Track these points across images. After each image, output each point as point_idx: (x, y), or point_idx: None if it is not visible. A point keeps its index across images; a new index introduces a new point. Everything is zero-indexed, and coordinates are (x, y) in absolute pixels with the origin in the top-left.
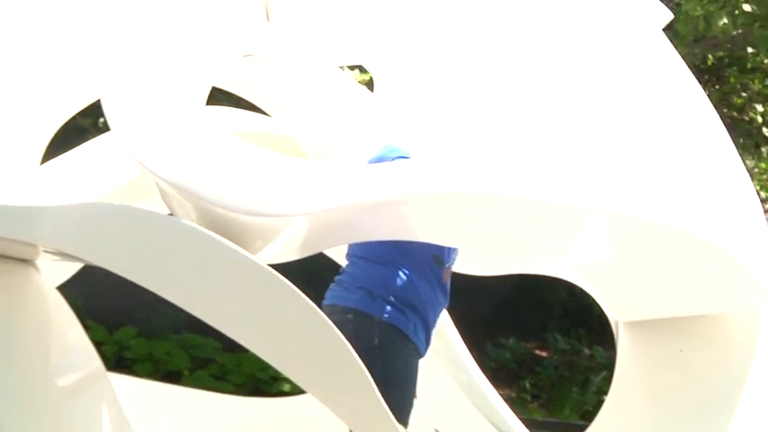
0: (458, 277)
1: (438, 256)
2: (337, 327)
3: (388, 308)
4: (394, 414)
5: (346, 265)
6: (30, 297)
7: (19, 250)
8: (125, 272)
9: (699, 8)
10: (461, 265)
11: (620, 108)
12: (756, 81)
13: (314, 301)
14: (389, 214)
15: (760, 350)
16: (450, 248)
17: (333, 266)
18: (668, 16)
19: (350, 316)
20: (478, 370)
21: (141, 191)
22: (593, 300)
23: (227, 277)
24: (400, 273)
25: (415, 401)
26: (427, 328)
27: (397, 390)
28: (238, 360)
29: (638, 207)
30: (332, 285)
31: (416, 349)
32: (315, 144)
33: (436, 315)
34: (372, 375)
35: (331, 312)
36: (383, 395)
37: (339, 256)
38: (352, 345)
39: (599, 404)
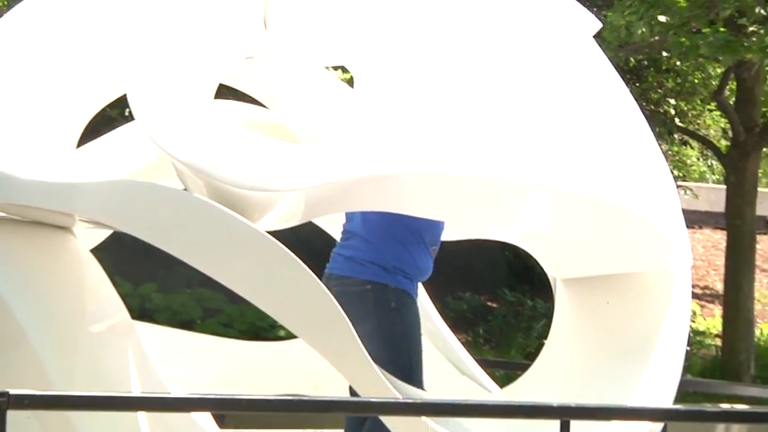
0: None
1: (433, 246)
2: (358, 296)
3: (399, 277)
4: (418, 361)
5: (352, 239)
6: (67, 258)
7: (59, 219)
8: (147, 237)
9: (622, 19)
10: None
11: (559, 101)
12: (670, 80)
13: (304, 262)
14: (366, 190)
15: (673, 301)
16: (438, 235)
17: (320, 233)
18: (597, 25)
19: (368, 287)
20: (440, 319)
21: (160, 170)
22: (535, 260)
23: (231, 242)
24: (405, 249)
25: None
26: (417, 289)
27: (418, 338)
28: (241, 310)
29: (573, 184)
30: (339, 258)
31: (416, 306)
32: (305, 131)
33: (424, 279)
34: (396, 331)
35: (349, 283)
36: (412, 347)
37: (327, 224)
38: (373, 309)
39: (540, 347)
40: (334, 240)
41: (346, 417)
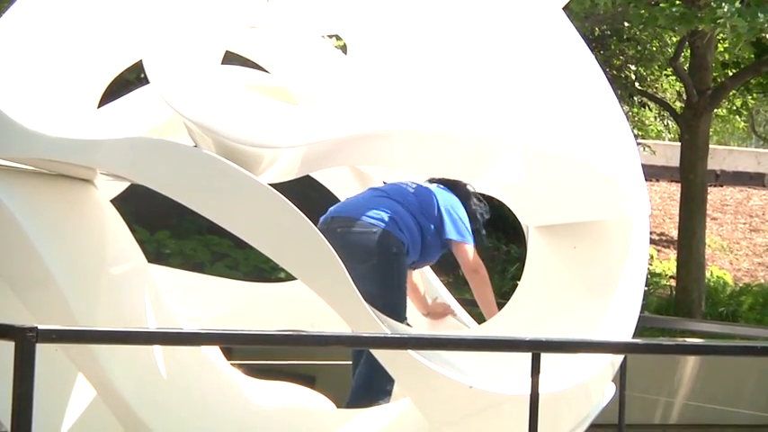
0: None
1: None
2: (363, 236)
3: (400, 232)
4: (405, 300)
5: (370, 193)
6: (89, 207)
7: (81, 172)
8: (161, 188)
9: None
10: None
11: (531, 66)
12: (630, 47)
13: (301, 211)
14: (356, 146)
15: (632, 246)
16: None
17: (316, 186)
18: None
19: (375, 230)
20: None
21: (173, 129)
22: (509, 210)
23: (236, 192)
24: (408, 213)
25: None
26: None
27: (406, 283)
28: (246, 254)
29: (545, 141)
30: (350, 203)
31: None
32: (302, 94)
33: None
34: (392, 273)
35: (357, 225)
36: (402, 288)
37: (322, 177)
38: (376, 250)
39: (513, 287)
40: (328, 191)
41: (353, 352)
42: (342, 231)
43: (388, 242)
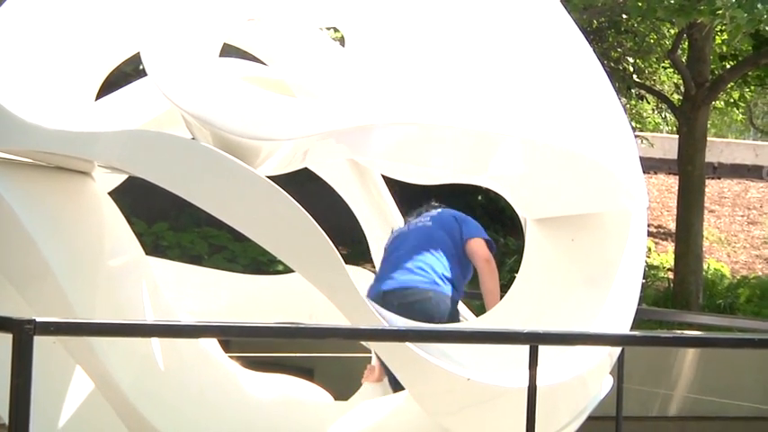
0: (407, 186)
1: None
2: (421, 302)
3: (451, 289)
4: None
5: (419, 256)
6: (87, 200)
7: (79, 165)
8: (159, 181)
9: None
10: (411, 177)
11: (529, 59)
12: (628, 40)
13: (299, 203)
14: (356, 139)
15: (630, 238)
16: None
17: (313, 177)
18: None
19: (430, 295)
20: None
21: (171, 121)
22: (506, 203)
23: (233, 185)
24: (459, 269)
25: None
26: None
27: None
28: (244, 247)
29: (542, 134)
30: (397, 277)
31: None
32: (300, 86)
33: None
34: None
35: (412, 294)
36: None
37: (320, 170)
38: (435, 312)
39: (511, 280)
40: (326, 183)
41: None
42: (399, 304)
43: (446, 303)
